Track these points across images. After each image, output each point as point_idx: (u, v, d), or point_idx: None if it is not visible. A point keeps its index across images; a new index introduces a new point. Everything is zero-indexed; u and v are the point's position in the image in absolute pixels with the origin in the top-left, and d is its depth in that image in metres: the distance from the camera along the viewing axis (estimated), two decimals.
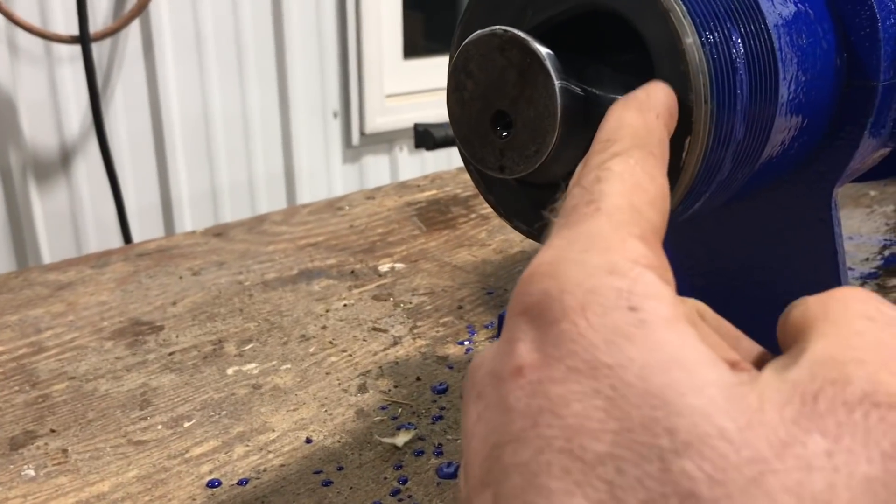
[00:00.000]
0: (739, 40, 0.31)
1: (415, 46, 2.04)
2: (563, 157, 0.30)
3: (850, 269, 0.68)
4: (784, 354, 0.20)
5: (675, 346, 0.19)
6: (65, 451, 0.46)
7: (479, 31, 0.30)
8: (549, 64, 0.29)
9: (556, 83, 0.29)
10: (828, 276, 0.40)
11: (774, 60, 0.32)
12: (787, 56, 0.33)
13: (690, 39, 0.29)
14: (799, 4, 0.34)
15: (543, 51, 0.29)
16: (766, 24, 0.32)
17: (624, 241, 0.21)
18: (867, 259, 0.70)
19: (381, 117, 1.94)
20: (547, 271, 0.21)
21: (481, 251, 0.76)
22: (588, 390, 0.18)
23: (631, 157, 0.24)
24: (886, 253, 0.71)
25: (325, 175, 1.90)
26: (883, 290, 0.63)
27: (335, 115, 1.89)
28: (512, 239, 0.78)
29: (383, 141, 1.98)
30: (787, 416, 0.18)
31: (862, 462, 0.17)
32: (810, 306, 0.22)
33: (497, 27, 0.30)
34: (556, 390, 0.19)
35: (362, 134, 1.93)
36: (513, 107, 0.30)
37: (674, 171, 0.30)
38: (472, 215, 0.85)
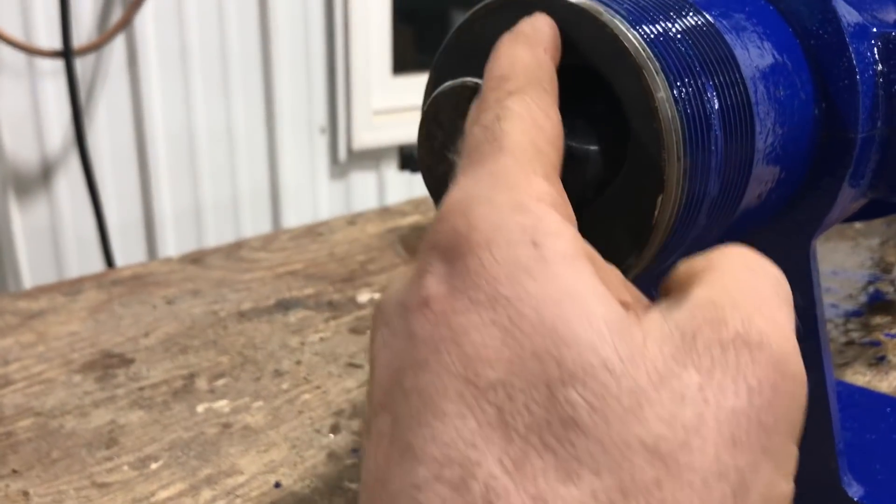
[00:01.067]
0: (714, 94, 0.30)
1: (405, 61, 2.03)
2: None
3: (833, 305, 0.68)
4: (670, 298, 0.22)
5: (570, 280, 0.20)
6: (26, 493, 0.45)
7: (449, 82, 0.30)
8: None
9: None
10: (805, 327, 0.39)
11: (750, 114, 0.31)
12: (764, 108, 0.32)
13: (663, 94, 0.28)
14: (776, 55, 0.34)
15: None
16: (741, 76, 0.31)
17: (528, 178, 0.22)
18: (850, 295, 0.69)
19: (368, 133, 1.93)
20: (457, 209, 0.22)
21: None
22: (486, 321, 0.19)
23: (527, 94, 0.25)
24: (871, 289, 0.71)
25: (311, 192, 1.88)
26: (867, 329, 0.63)
27: (322, 131, 1.88)
28: None
29: (371, 158, 1.97)
30: (667, 351, 0.19)
31: (730, 395, 0.19)
32: (696, 260, 0.24)
33: (468, 79, 0.29)
34: (457, 320, 0.20)
35: (349, 150, 1.92)
36: None
37: (646, 229, 0.29)
38: None
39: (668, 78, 0.29)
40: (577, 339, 0.19)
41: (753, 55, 0.32)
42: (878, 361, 0.57)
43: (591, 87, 0.31)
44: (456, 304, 0.20)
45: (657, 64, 0.28)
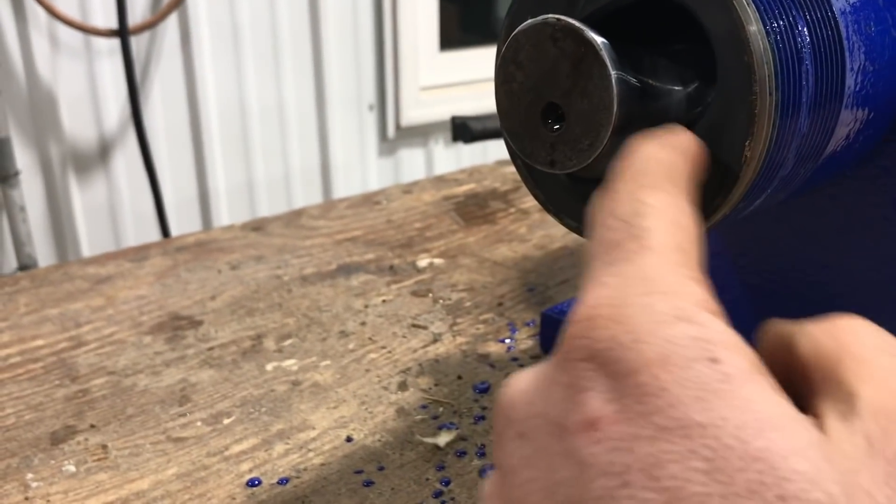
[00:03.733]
0: (805, 28, 0.29)
1: (450, 38, 2.02)
2: (616, 153, 0.29)
3: None
4: (831, 399, 0.20)
5: (762, 403, 0.18)
6: (104, 447, 0.46)
7: (530, 20, 0.29)
8: (604, 54, 0.28)
9: (613, 74, 0.28)
10: (892, 275, 0.38)
11: (841, 50, 0.30)
12: (855, 45, 0.31)
13: (754, 27, 0.27)
14: None
15: (599, 40, 0.28)
16: (832, 12, 0.30)
17: (683, 283, 0.21)
18: None
19: (416, 110, 1.93)
20: (610, 314, 0.20)
21: (521, 247, 0.74)
22: (683, 451, 0.17)
23: (665, 191, 0.23)
24: None
25: (361, 168, 1.89)
26: None
27: (371, 108, 1.88)
28: (553, 234, 0.77)
29: (419, 134, 1.97)
30: (879, 477, 0.18)
31: None
32: (820, 339, 0.22)
33: (550, 16, 0.29)
34: (645, 449, 0.18)
35: (398, 127, 1.92)
36: (565, 99, 0.29)
37: (734, 167, 0.29)
38: (512, 210, 0.84)
39: (759, 10, 0.28)
40: (795, 472, 0.17)
41: None
42: None
43: (674, 27, 0.31)
44: (637, 430, 0.18)
45: None
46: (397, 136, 1.93)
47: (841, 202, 0.38)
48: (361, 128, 1.87)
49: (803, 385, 0.22)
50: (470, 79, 1.98)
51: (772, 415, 0.18)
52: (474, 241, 0.76)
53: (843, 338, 0.21)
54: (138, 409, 0.49)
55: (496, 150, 1.81)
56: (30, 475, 0.43)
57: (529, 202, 0.85)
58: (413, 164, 1.99)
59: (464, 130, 1.18)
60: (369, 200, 0.88)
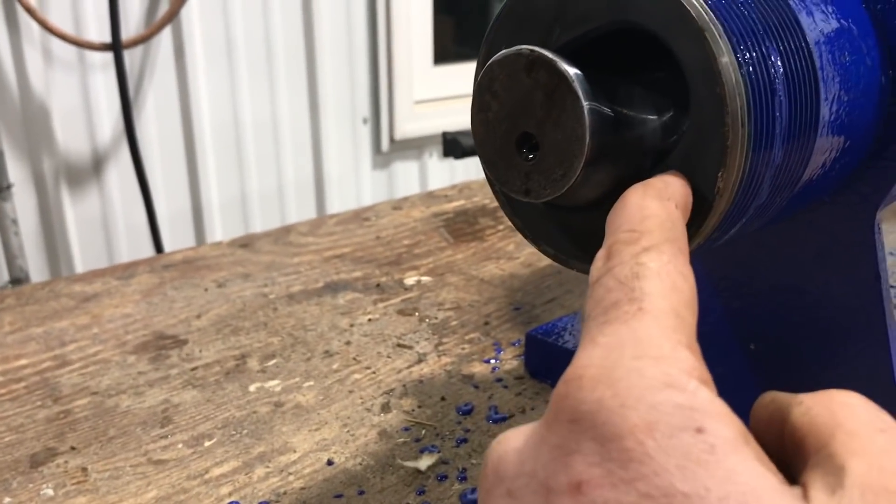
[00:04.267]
0: (778, 59, 0.29)
1: (445, 51, 2.03)
2: (591, 181, 0.29)
3: (892, 286, 0.66)
4: (820, 471, 0.20)
5: (746, 475, 0.18)
6: (84, 469, 0.45)
7: (504, 51, 0.29)
8: (577, 86, 0.28)
9: (585, 105, 0.28)
10: (870, 300, 0.38)
11: (815, 80, 0.30)
12: (829, 75, 0.31)
13: (726, 59, 0.27)
14: (842, 20, 0.33)
15: (572, 71, 0.28)
16: (806, 41, 0.30)
17: (675, 349, 0.21)
18: None
19: (410, 123, 1.94)
20: (598, 376, 0.20)
21: (509, 264, 0.74)
22: None
23: (663, 252, 0.24)
24: None
25: (355, 182, 1.89)
26: None
27: (365, 121, 1.88)
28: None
29: (413, 147, 1.97)
30: None
31: None
32: (815, 411, 0.22)
33: (523, 46, 0.29)
34: None
35: (392, 140, 1.92)
36: (539, 129, 0.29)
37: (708, 198, 0.29)
38: (501, 227, 0.84)
39: (731, 42, 0.28)
40: None
41: (818, 19, 0.31)
42: None
43: (648, 56, 0.31)
44: (620, 496, 0.18)
45: (720, 27, 0.28)
46: (391, 149, 1.94)
47: (819, 227, 0.38)
48: (355, 141, 1.88)
49: (795, 456, 0.22)
50: (464, 93, 1.99)
51: (755, 486, 0.18)
52: (462, 259, 0.76)
53: (838, 411, 0.21)
54: (120, 430, 0.49)
55: None
56: (7, 499, 0.43)
57: None
58: (407, 177, 1.99)
59: (454, 146, 1.18)
60: (359, 217, 0.88)
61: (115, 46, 1.45)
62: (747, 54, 0.28)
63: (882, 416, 0.21)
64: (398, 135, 1.91)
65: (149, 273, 0.72)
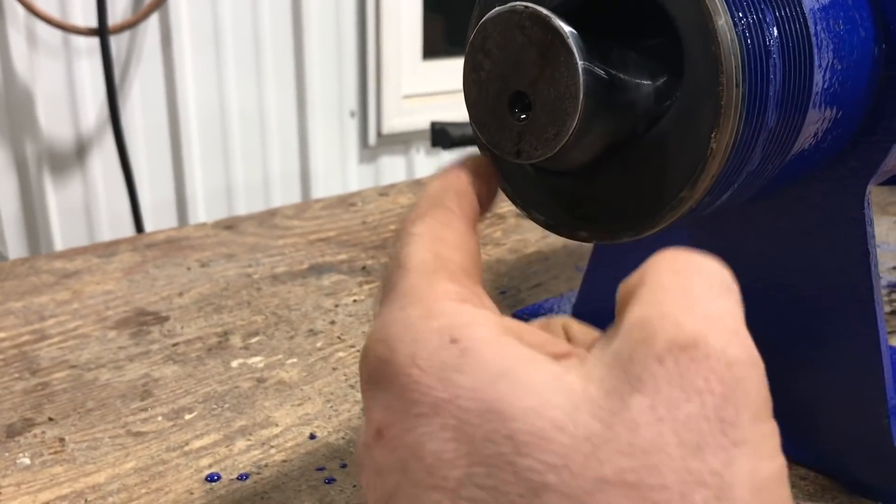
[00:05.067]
0: (774, 23, 0.29)
1: (434, 48, 2.02)
2: (583, 143, 0.29)
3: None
4: (611, 326, 0.22)
5: (497, 359, 0.20)
6: (62, 440, 0.45)
7: (498, 8, 0.29)
8: (572, 42, 0.27)
9: (579, 63, 0.27)
10: (858, 277, 0.38)
11: (810, 46, 0.30)
12: (823, 42, 0.31)
13: (722, 20, 0.27)
14: None
15: (566, 28, 0.27)
16: (801, 8, 0.30)
17: (433, 286, 0.23)
18: (894, 268, 0.68)
19: (398, 118, 1.93)
20: (377, 338, 0.23)
21: (496, 250, 0.74)
22: (436, 428, 0.20)
23: (427, 216, 0.27)
24: None
25: (341, 175, 1.88)
26: None
27: (352, 114, 1.88)
28: (527, 238, 0.76)
29: (400, 142, 1.97)
30: (609, 386, 0.19)
31: (682, 404, 0.19)
32: (630, 277, 0.23)
33: (518, 3, 0.28)
34: (411, 438, 0.20)
35: (379, 134, 1.92)
36: (532, 88, 0.29)
37: (700, 159, 0.28)
38: (488, 214, 0.83)
39: (727, 4, 0.28)
40: (520, 409, 0.19)
41: None
42: None
43: (644, 23, 0.30)
44: (404, 424, 0.21)
45: None
46: (378, 143, 1.93)
47: (809, 203, 0.38)
48: (342, 134, 1.87)
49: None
50: (453, 88, 1.98)
51: (503, 367, 0.20)
52: None
53: (645, 270, 0.23)
54: (99, 402, 0.48)
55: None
56: None
57: (505, 207, 0.84)
58: (394, 171, 1.98)
59: (443, 136, 1.18)
60: (345, 202, 0.87)
61: (102, 32, 1.43)
62: (743, 17, 0.28)
63: (690, 259, 0.23)
64: (386, 129, 1.91)
65: (131, 251, 0.72)
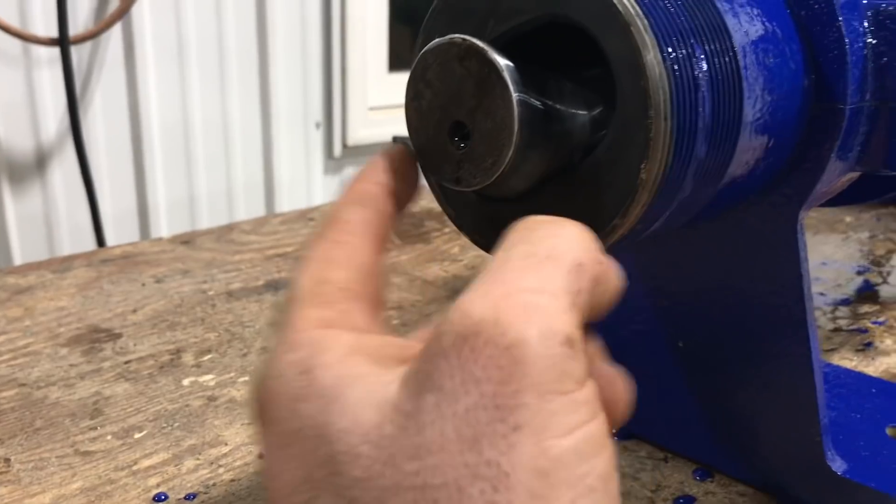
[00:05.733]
0: (703, 57, 0.30)
1: (401, 60, 2.03)
2: (521, 171, 0.30)
3: (822, 294, 0.68)
4: None
5: (332, 383, 0.21)
6: (7, 460, 0.44)
7: (438, 40, 0.30)
8: (507, 75, 0.28)
9: (514, 95, 0.28)
10: (792, 299, 0.39)
11: (739, 79, 0.31)
12: (753, 75, 0.32)
13: (651, 55, 0.28)
14: (767, 23, 0.34)
15: (502, 62, 0.28)
16: (731, 43, 0.31)
17: (302, 315, 0.24)
18: (839, 285, 0.70)
19: (364, 130, 1.93)
20: (256, 377, 0.24)
21: (453, 266, 0.75)
22: (289, 456, 0.21)
23: (321, 235, 0.27)
24: (860, 279, 0.71)
25: (306, 186, 1.88)
26: (855, 317, 0.63)
27: (318, 126, 1.88)
28: (485, 255, 0.77)
29: (365, 153, 1.97)
30: (409, 389, 0.20)
31: (461, 397, 0.19)
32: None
33: (456, 36, 0.29)
34: (275, 468, 0.22)
35: (344, 146, 1.92)
36: (470, 118, 0.29)
37: (631, 189, 0.29)
38: (446, 230, 0.84)
39: (656, 37, 0.28)
40: (339, 431, 0.20)
41: (744, 21, 0.32)
42: (865, 347, 0.57)
43: (579, 54, 0.31)
44: (272, 455, 0.22)
45: (646, 23, 0.28)
46: (344, 154, 1.93)
47: (745, 228, 0.39)
48: (307, 145, 1.87)
49: None
50: None
51: (337, 389, 0.21)
52: (407, 260, 0.76)
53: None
54: (47, 421, 0.48)
55: None
56: None
57: None
58: None
59: None
60: (304, 216, 0.87)
61: (63, 42, 1.42)
62: (672, 51, 0.29)
63: (523, 227, 0.24)
64: (351, 140, 1.91)
65: (86, 267, 0.71)
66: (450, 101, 0.30)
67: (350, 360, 0.22)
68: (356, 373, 0.21)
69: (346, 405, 0.21)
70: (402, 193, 0.30)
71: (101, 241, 1.51)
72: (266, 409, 0.23)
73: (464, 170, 0.30)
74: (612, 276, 0.24)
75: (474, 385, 0.19)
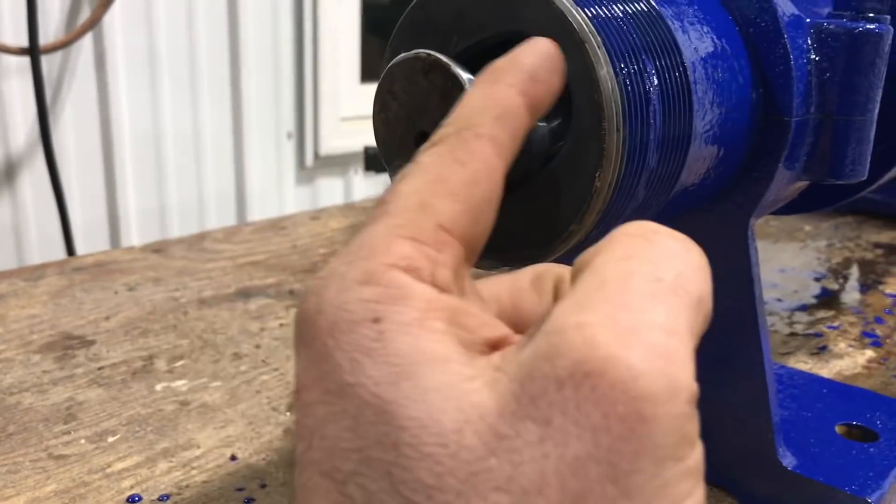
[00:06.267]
0: (654, 73, 0.32)
1: (373, 71, 2.05)
2: None
3: (780, 300, 0.70)
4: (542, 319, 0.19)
5: (408, 352, 0.18)
6: None
7: (403, 54, 0.31)
8: (469, 88, 0.30)
9: None
10: (744, 302, 0.41)
11: (689, 93, 0.33)
12: (703, 89, 0.34)
13: (605, 70, 0.30)
14: (716, 40, 0.36)
15: (464, 75, 0.30)
16: (681, 58, 0.33)
17: (389, 244, 0.20)
18: (796, 291, 0.72)
19: (336, 140, 1.94)
20: (314, 288, 0.20)
21: None
22: (339, 411, 0.19)
23: (445, 144, 0.23)
24: (817, 286, 0.73)
25: (277, 196, 1.89)
26: (811, 322, 0.65)
27: (289, 136, 1.88)
28: None
29: (337, 164, 1.98)
30: (504, 404, 0.17)
31: (572, 441, 0.17)
32: (591, 249, 0.21)
33: (421, 51, 0.31)
34: (317, 412, 0.19)
35: (316, 156, 1.93)
36: (435, 128, 0.31)
37: (586, 196, 0.31)
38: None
39: (609, 54, 0.30)
40: (410, 418, 0.18)
41: (693, 37, 0.34)
42: (820, 351, 0.59)
43: None
44: (313, 395, 0.19)
45: (599, 40, 0.30)
46: (316, 164, 1.94)
47: (699, 233, 0.41)
48: (279, 155, 1.87)
49: None
50: None
51: (412, 362, 0.18)
52: None
53: (601, 246, 0.20)
54: (20, 426, 0.49)
55: None
56: None
57: None
58: (331, 192, 1.99)
59: (376, 161, 1.20)
60: (276, 225, 0.88)
61: (33, 51, 1.42)
62: (624, 66, 0.30)
63: (644, 237, 0.20)
64: (323, 150, 1.92)
65: (58, 275, 0.72)
66: (416, 113, 0.31)
67: (429, 327, 0.19)
68: (436, 351, 0.19)
69: (420, 389, 0.18)
70: (545, 100, 0.26)
71: (70, 250, 1.51)
72: (318, 338, 0.19)
73: None
74: (709, 319, 0.21)
75: (590, 432, 0.16)
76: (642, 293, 0.18)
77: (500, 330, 0.21)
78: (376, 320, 0.19)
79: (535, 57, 0.26)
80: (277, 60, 1.81)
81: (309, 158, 1.92)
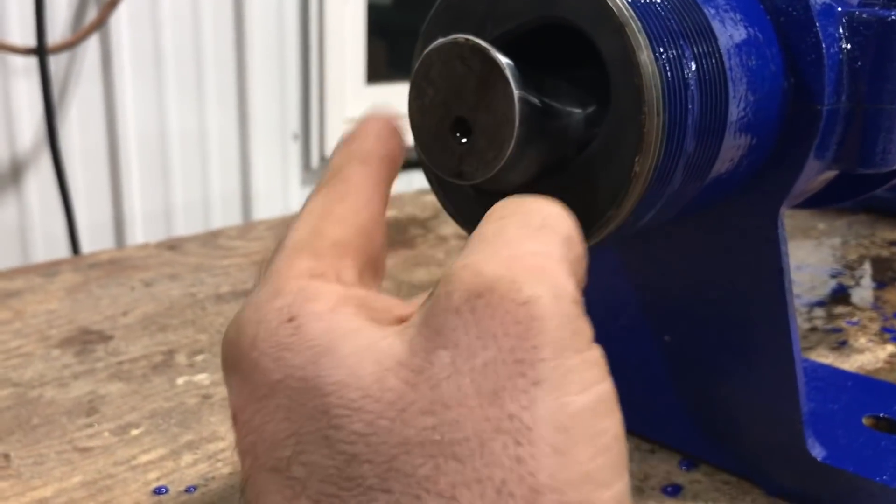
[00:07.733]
0: (692, 58, 0.32)
1: (378, 72, 2.05)
2: (518, 166, 0.31)
3: (797, 296, 0.70)
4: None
5: (323, 334, 0.21)
6: (6, 456, 0.45)
7: (441, 39, 0.31)
8: (508, 73, 0.30)
9: (515, 92, 0.30)
10: (773, 293, 0.41)
11: (725, 79, 0.33)
12: (737, 76, 0.34)
13: (645, 55, 0.30)
14: (749, 28, 0.36)
15: (504, 60, 0.30)
16: (717, 45, 0.33)
17: (290, 264, 0.23)
18: (814, 287, 0.72)
19: None
20: (233, 319, 0.23)
21: (438, 271, 0.76)
22: (272, 408, 0.20)
23: (325, 187, 0.26)
24: (833, 282, 0.73)
25: (283, 197, 1.89)
26: (830, 318, 0.65)
27: (295, 137, 1.88)
28: None
29: None
30: (416, 346, 0.20)
31: (479, 352, 0.19)
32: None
33: (459, 35, 0.31)
34: (255, 421, 0.21)
35: (322, 157, 1.93)
36: (472, 114, 0.31)
37: (625, 182, 0.31)
38: (430, 236, 0.86)
39: (649, 38, 0.30)
40: (334, 383, 0.20)
41: (728, 25, 0.34)
42: (840, 346, 0.59)
43: (575, 53, 0.33)
44: (249, 410, 0.21)
45: (640, 24, 0.30)
46: (321, 166, 1.94)
47: (728, 223, 0.41)
48: (284, 157, 1.87)
49: None
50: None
51: (328, 340, 0.20)
52: (393, 265, 0.77)
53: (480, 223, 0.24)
54: (44, 419, 0.49)
55: (418, 179, 1.83)
56: None
57: (447, 229, 0.87)
58: None
59: None
60: (288, 223, 0.88)
61: (40, 51, 1.42)
62: (663, 51, 0.30)
63: (516, 202, 0.24)
64: (328, 152, 1.92)
65: (73, 271, 0.72)
66: (452, 98, 0.31)
67: (340, 311, 0.21)
68: (348, 326, 0.21)
69: (339, 358, 0.20)
70: (395, 156, 0.30)
71: (76, 251, 1.51)
72: (244, 356, 0.22)
73: (465, 164, 0.31)
74: (585, 260, 0.24)
75: (492, 340, 0.19)
76: (517, 235, 0.22)
77: (410, 308, 0.23)
78: (291, 319, 0.21)
79: (376, 122, 0.31)
80: (283, 62, 1.81)
81: (314, 160, 1.92)
